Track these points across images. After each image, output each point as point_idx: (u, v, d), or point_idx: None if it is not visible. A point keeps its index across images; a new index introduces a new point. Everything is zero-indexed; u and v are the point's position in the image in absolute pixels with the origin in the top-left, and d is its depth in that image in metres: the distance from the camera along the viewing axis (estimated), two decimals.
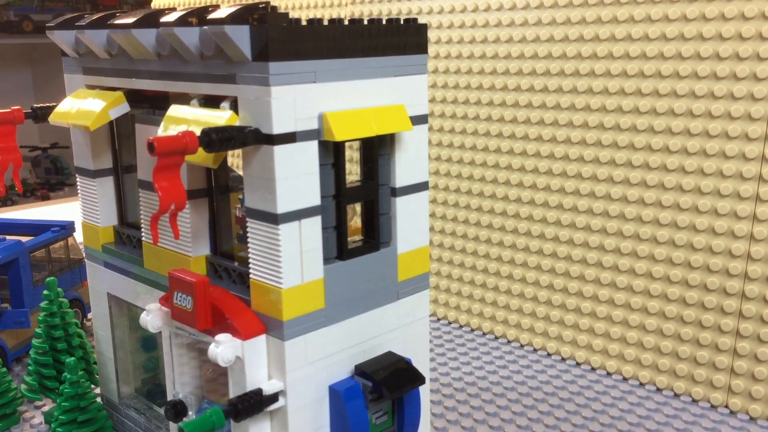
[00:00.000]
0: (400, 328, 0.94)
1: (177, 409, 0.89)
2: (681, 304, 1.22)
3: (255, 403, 0.80)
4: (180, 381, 0.92)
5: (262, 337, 0.83)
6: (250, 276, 0.84)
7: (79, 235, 1.61)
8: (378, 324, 0.92)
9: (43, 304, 1.14)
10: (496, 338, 1.46)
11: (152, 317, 0.90)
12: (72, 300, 1.48)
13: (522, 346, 1.43)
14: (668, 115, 1.20)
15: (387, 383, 0.87)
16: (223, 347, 0.80)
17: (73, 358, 1.06)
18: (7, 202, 6.00)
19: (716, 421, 1.16)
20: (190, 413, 0.90)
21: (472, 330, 1.50)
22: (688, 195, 1.19)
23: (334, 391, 0.87)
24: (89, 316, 1.56)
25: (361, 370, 0.88)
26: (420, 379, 0.90)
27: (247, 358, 0.82)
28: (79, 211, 1.12)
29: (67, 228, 1.54)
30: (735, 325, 1.17)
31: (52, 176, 6.79)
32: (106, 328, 1.12)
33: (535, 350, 1.41)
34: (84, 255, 1.14)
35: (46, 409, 1.22)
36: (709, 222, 1.18)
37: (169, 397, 0.92)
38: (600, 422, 1.16)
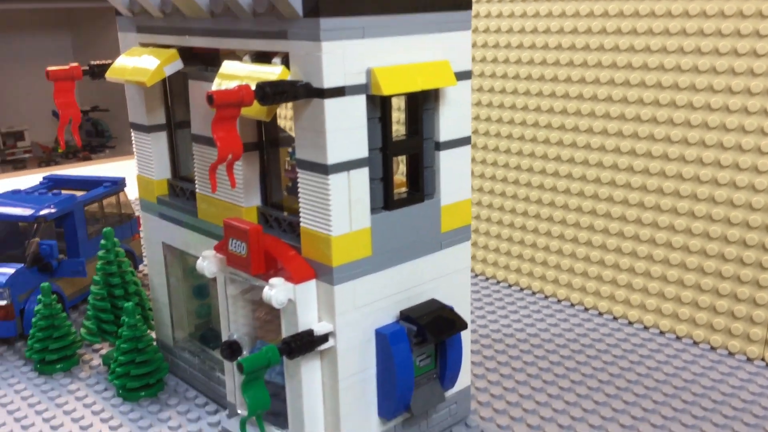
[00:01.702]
0: (442, 278, 0.98)
1: (232, 349, 0.94)
2: (719, 260, 1.24)
3: (307, 342, 0.85)
4: (234, 323, 0.97)
5: (313, 282, 0.87)
6: (301, 224, 0.88)
7: (129, 191, 1.68)
8: (422, 273, 0.95)
9: (100, 253, 1.20)
10: (534, 293, 1.50)
11: (208, 263, 0.94)
12: (125, 252, 1.54)
13: (559, 301, 1.46)
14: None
15: (431, 328, 0.91)
16: (276, 290, 0.84)
17: (131, 303, 1.11)
18: (50, 163, 6.16)
19: (752, 373, 1.18)
20: (244, 352, 0.95)
21: (510, 286, 1.54)
22: (728, 153, 1.20)
23: (380, 334, 0.91)
24: (140, 267, 1.63)
25: (406, 315, 0.93)
26: (462, 325, 0.94)
27: (299, 301, 0.86)
28: (135, 165, 1.17)
29: (118, 183, 1.60)
30: None
31: (93, 138, 6.93)
32: (161, 276, 1.18)
33: (572, 305, 1.44)
34: (139, 207, 1.19)
35: (103, 352, 1.29)
36: (749, 179, 1.18)
37: (224, 338, 0.98)
38: (636, 372, 1.19)
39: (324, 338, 0.87)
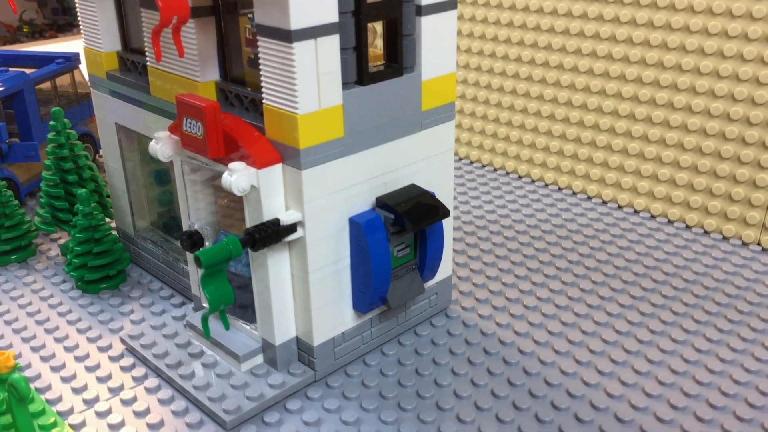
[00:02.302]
0: (423, 160, 0.89)
1: (193, 239, 0.86)
2: (720, 139, 1.16)
3: (273, 233, 0.77)
4: (195, 211, 0.89)
5: (278, 166, 0.78)
6: (263, 101, 0.78)
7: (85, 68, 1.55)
8: (400, 155, 0.87)
9: (50, 135, 1.09)
10: (520, 178, 1.42)
11: (162, 145, 0.85)
12: (83, 135, 1.44)
13: (547, 185, 1.38)
14: None
15: (410, 215, 0.83)
16: (237, 176, 0.75)
17: (84, 190, 1.02)
18: (15, 42, 5.86)
19: (747, 258, 1.12)
20: (207, 243, 0.88)
21: (495, 170, 1.45)
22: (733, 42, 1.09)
23: (354, 223, 0.83)
24: (101, 152, 1.52)
25: (382, 203, 0.84)
26: (444, 212, 0.86)
27: (262, 188, 0.78)
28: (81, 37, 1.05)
29: (72, 60, 1.46)
30: None
31: (60, 16, 6.58)
32: (116, 161, 1.08)
33: (560, 189, 1.37)
34: (89, 83, 1.08)
35: (62, 241, 1.21)
36: (757, 50, 1.08)
37: (185, 228, 0.90)
38: (625, 258, 1.13)
39: (292, 228, 0.79)
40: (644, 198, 1.26)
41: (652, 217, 1.26)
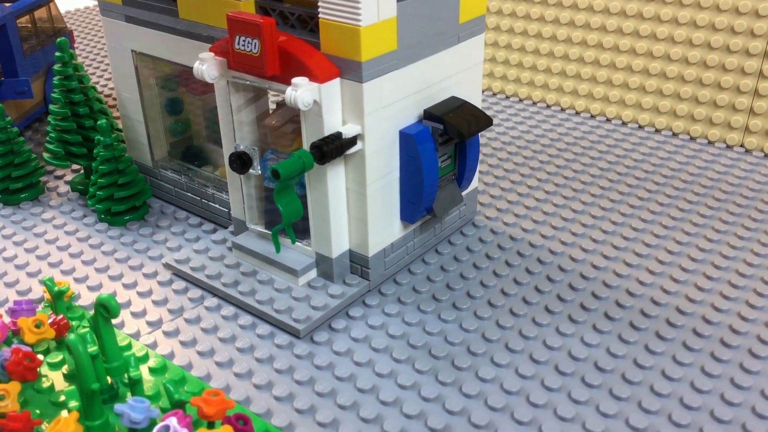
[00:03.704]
0: (459, 73, 0.92)
1: (242, 160, 0.87)
2: (705, 49, 1.23)
3: (337, 145, 0.79)
4: (240, 133, 0.90)
5: (338, 81, 0.80)
6: (321, 16, 0.79)
7: (60, 3, 1.49)
8: (440, 68, 0.89)
9: (57, 67, 1.06)
10: (534, 103, 1.44)
11: (208, 66, 0.84)
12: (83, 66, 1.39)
13: (563, 109, 1.42)
14: None
15: (460, 125, 0.86)
16: (302, 90, 0.77)
17: (105, 120, 1.00)
18: None
19: (733, 159, 1.21)
20: (255, 164, 0.89)
21: (507, 97, 1.47)
22: None
23: (405, 135, 0.86)
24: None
25: (430, 114, 0.87)
26: (487, 121, 0.90)
27: (324, 102, 0.79)
28: None
29: None
30: (759, 66, 1.19)
31: None
32: (132, 90, 1.06)
33: (562, 110, 1.41)
34: (100, 11, 1.05)
35: (68, 178, 1.19)
36: None
37: (229, 150, 0.90)
38: (624, 164, 1.20)
39: (353, 141, 0.81)
40: (632, 110, 1.33)
41: (640, 127, 1.33)
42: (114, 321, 0.84)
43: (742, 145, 1.25)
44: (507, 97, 1.47)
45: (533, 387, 0.76)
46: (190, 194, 1.07)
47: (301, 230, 0.90)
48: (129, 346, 0.79)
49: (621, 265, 0.95)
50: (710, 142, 1.27)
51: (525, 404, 0.74)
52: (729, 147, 1.25)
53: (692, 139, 1.28)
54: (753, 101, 1.21)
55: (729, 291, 0.90)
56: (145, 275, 0.94)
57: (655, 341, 0.82)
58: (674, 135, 1.30)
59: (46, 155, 1.11)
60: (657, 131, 1.31)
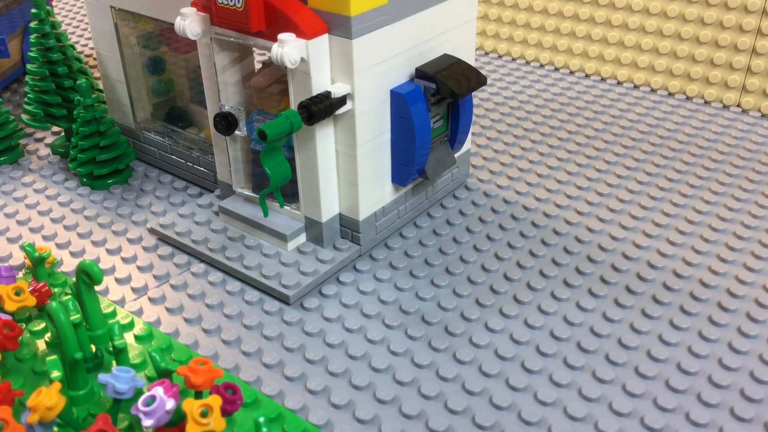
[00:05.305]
0: (452, 30, 0.89)
1: (228, 121, 0.84)
2: (702, 5, 1.20)
3: (326, 105, 0.76)
4: (225, 93, 0.86)
5: (326, 37, 0.76)
6: None
7: None
8: (433, 25, 0.86)
9: (33, 24, 1.01)
10: (528, 63, 1.40)
11: (190, 22, 0.81)
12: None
13: (557, 69, 1.38)
14: None
15: (453, 83, 0.83)
16: (288, 47, 0.73)
17: (84, 80, 0.97)
18: None
19: (730, 119, 1.19)
20: (240, 125, 0.86)
21: (500, 56, 1.44)
22: None
23: (396, 94, 0.83)
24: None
25: (422, 72, 0.84)
26: (481, 80, 0.87)
27: (312, 60, 0.76)
28: None
29: None
30: (757, 24, 1.16)
31: None
32: (112, 49, 1.02)
33: (556, 69, 1.38)
34: None
35: (49, 140, 1.15)
36: None
37: (215, 111, 0.87)
38: (620, 125, 1.18)
39: (342, 100, 0.78)
40: (628, 69, 1.30)
41: (636, 87, 1.30)
42: (98, 288, 0.82)
43: (738, 105, 1.22)
44: (500, 56, 1.43)
45: (528, 353, 0.75)
46: (174, 157, 1.04)
47: (289, 194, 0.88)
48: (113, 314, 0.76)
49: (617, 228, 0.93)
50: (707, 102, 1.25)
51: (520, 370, 0.73)
52: (726, 107, 1.23)
53: (689, 98, 1.26)
54: (750, 60, 1.18)
55: (726, 254, 0.88)
56: (130, 240, 0.92)
57: (652, 305, 0.81)
58: (670, 95, 1.27)
59: (24, 117, 1.08)
60: (653, 91, 1.29)
